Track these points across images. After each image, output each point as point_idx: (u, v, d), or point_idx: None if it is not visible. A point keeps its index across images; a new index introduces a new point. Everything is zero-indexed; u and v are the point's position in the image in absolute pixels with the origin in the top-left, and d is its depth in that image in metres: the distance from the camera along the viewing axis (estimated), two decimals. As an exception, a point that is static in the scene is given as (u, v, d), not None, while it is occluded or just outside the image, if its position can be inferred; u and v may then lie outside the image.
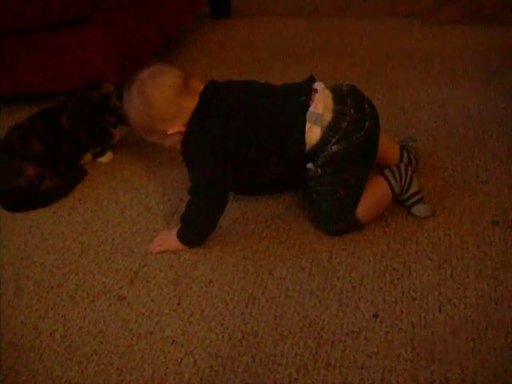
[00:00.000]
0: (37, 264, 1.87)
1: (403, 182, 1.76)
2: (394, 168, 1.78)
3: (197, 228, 1.80)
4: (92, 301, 1.71)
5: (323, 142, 1.65)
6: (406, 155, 1.90)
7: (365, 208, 1.73)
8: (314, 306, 1.57)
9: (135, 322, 1.62)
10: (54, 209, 2.11)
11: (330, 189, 1.70)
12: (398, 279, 1.61)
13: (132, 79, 1.76)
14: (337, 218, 1.73)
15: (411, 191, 1.77)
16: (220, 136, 1.70)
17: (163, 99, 1.72)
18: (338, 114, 1.65)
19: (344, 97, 1.69)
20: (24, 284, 1.81)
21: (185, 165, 1.78)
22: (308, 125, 1.65)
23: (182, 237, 1.79)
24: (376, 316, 1.52)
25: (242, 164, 1.75)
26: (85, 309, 1.69)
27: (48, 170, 2.14)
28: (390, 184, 1.75)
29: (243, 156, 1.74)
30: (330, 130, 1.64)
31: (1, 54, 2.54)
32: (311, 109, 1.66)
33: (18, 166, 2.11)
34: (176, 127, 1.74)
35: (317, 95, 1.68)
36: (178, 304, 1.64)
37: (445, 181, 1.92)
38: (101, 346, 1.57)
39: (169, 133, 1.75)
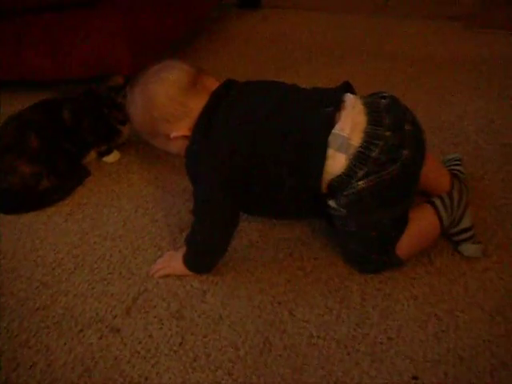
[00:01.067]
0: (23, 279, 1.64)
1: (455, 213, 1.51)
2: (445, 196, 1.52)
3: (203, 253, 1.57)
4: (81, 330, 1.47)
5: (348, 174, 1.37)
6: (457, 185, 1.61)
7: (406, 242, 1.47)
8: (341, 360, 1.33)
9: (128, 362, 1.38)
10: (49, 213, 1.89)
11: (359, 230, 1.45)
12: (443, 332, 1.37)
13: (137, 75, 1.55)
14: (369, 259, 1.50)
15: (462, 226, 1.52)
16: (227, 148, 1.45)
17: (166, 97, 1.50)
18: (370, 138, 1.37)
19: (381, 113, 1.41)
20: (6, 302, 1.58)
21: (189, 179, 1.54)
22: (330, 151, 1.38)
23: (188, 262, 1.56)
24: (416, 378, 1.27)
25: (250, 184, 1.49)
26: (72, 339, 1.45)
27: (46, 169, 1.91)
28: (438, 214, 1.49)
29: (252, 175, 1.47)
30: (357, 161, 1.36)
31: (8, 35, 2.34)
32: (336, 130, 1.38)
33: (12, 162, 1.89)
34: (180, 131, 1.51)
35: (344, 111, 1.41)
36: (181, 344, 1.40)
37: (497, 211, 1.68)
38: (86, 388, 1.32)
39: (172, 136, 1.52)
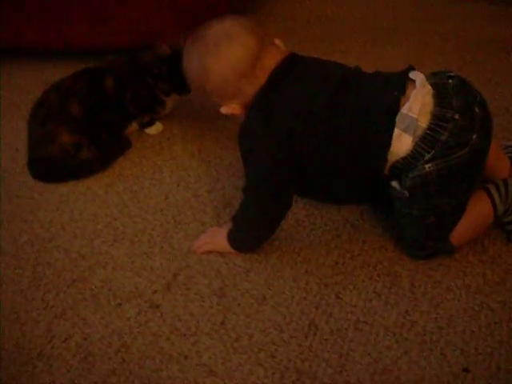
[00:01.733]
0: (60, 249, 1.61)
1: (510, 201, 1.44)
2: (501, 183, 1.45)
3: (251, 233, 1.51)
4: (119, 304, 1.44)
5: (414, 156, 1.32)
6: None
7: (460, 230, 1.42)
8: (389, 347, 1.27)
9: (167, 339, 1.34)
10: (88, 183, 1.84)
11: (419, 214, 1.38)
12: (496, 323, 1.31)
13: (199, 34, 1.47)
14: (424, 245, 1.44)
15: None
16: (286, 129, 1.39)
17: (221, 77, 1.43)
18: (438, 121, 1.30)
19: (449, 94, 1.33)
20: (43, 272, 1.55)
21: (239, 151, 1.48)
22: (397, 131, 1.32)
23: (233, 240, 1.50)
24: (467, 371, 1.22)
25: (308, 166, 1.43)
26: (109, 314, 1.42)
27: (86, 138, 1.87)
28: (493, 202, 1.43)
29: (311, 157, 1.41)
30: (425, 143, 1.30)
31: (53, 3, 2.32)
32: (404, 110, 1.32)
33: (53, 130, 1.84)
34: (231, 108, 1.47)
35: (414, 91, 1.34)
36: (222, 323, 1.36)
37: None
38: (122, 364, 1.30)
39: (222, 111, 1.48)
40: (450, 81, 1.37)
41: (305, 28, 2.72)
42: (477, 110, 1.33)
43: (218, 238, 1.53)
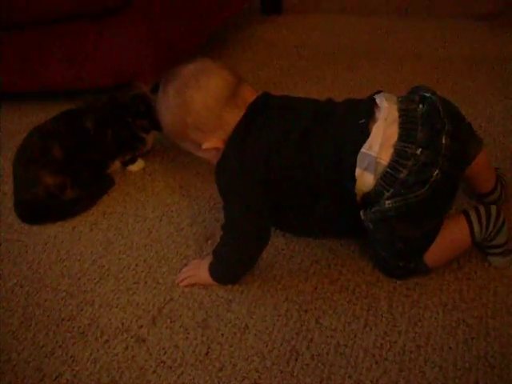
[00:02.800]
0: (49, 289, 1.64)
1: (489, 231, 1.42)
2: (483, 211, 1.42)
3: (230, 267, 1.54)
4: (106, 341, 1.46)
5: (376, 193, 1.33)
6: (499, 188, 1.58)
7: (435, 253, 1.43)
8: (369, 369, 1.30)
9: (154, 372, 1.37)
10: (74, 223, 1.88)
11: (387, 240, 1.41)
12: (473, 339, 1.33)
13: (173, 73, 1.49)
14: (395, 266, 1.46)
15: (496, 242, 1.45)
16: (262, 165, 1.41)
17: (203, 107, 1.44)
18: (398, 158, 1.29)
19: (415, 124, 1.31)
20: (32, 312, 1.58)
21: (219, 193, 1.50)
22: (358, 170, 1.33)
23: (214, 273, 1.53)
24: (446, 387, 1.23)
25: (286, 200, 1.46)
26: (97, 350, 1.44)
27: (70, 179, 1.90)
28: (471, 229, 1.42)
29: (288, 191, 1.44)
30: (384, 181, 1.31)
31: (29, 45, 2.33)
32: (364, 148, 1.32)
33: (36, 173, 1.88)
34: (212, 142, 1.46)
35: (376, 125, 1.33)
36: (207, 354, 1.39)
37: (528, 215, 1.62)
38: (112, 400, 1.31)
39: (203, 147, 1.48)
40: (420, 106, 1.36)
41: (281, 57, 2.76)
42: (443, 140, 1.29)
43: (200, 270, 1.56)
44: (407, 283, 1.48)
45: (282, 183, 1.42)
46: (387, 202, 1.31)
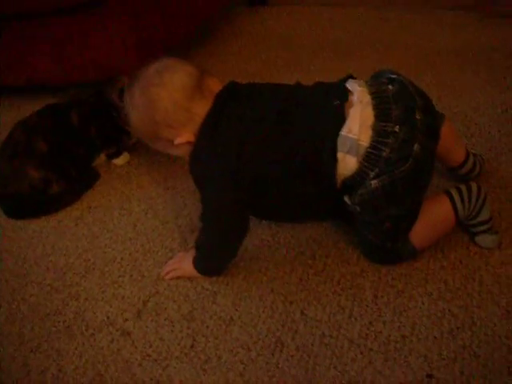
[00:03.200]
0: (34, 284, 1.64)
1: (472, 206, 1.46)
2: (464, 188, 1.46)
3: (214, 258, 1.54)
4: (92, 334, 1.47)
5: (360, 175, 1.35)
6: (471, 159, 1.61)
7: (420, 233, 1.45)
8: (354, 359, 1.30)
9: (139, 365, 1.37)
10: (59, 217, 1.87)
11: (374, 221, 1.42)
12: (458, 328, 1.34)
13: (136, 75, 1.48)
14: (383, 248, 1.46)
15: (480, 218, 1.48)
16: (234, 154, 1.40)
17: (170, 102, 1.42)
18: (379, 137, 1.32)
19: (389, 104, 1.35)
20: (18, 307, 1.57)
21: (194, 184, 1.50)
22: (340, 154, 1.35)
23: (198, 265, 1.53)
24: (430, 376, 1.25)
25: (261, 188, 1.45)
26: (83, 344, 1.45)
27: (55, 173, 1.89)
28: (454, 207, 1.45)
29: (262, 178, 1.43)
30: (368, 162, 1.33)
31: (14, 40, 2.31)
32: (344, 131, 1.34)
33: (21, 167, 1.87)
34: (184, 136, 1.44)
35: (352, 108, 1.36)
36: (192, 346, 1.39)
37: (512, 203, 1.62)
38: (97, 393, 1.31)
39: (175, 142, 1.45)
40: (390, 87, 1.39)
41: (268, 49, 2.75)
42: (417, 116, 1.34)
43: (184, 263, 1.56)
44: (392, 273, 1.48)
45: (257, 170, 1.41)
46: (373, 182, 1.33)
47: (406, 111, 1.34)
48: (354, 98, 1.38)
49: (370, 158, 1.33)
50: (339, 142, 1.34)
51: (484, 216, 1.48)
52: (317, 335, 1.37)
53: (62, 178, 1.90)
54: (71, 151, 1.94)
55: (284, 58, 2.63)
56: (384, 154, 1.31)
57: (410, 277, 1.47)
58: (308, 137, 1.38)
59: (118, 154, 2.06)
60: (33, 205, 1.90)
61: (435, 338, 1.32)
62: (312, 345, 1.34)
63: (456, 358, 1.27)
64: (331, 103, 1.38)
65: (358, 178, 1.36)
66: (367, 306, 1.42)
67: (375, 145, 1.32)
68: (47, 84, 2.40)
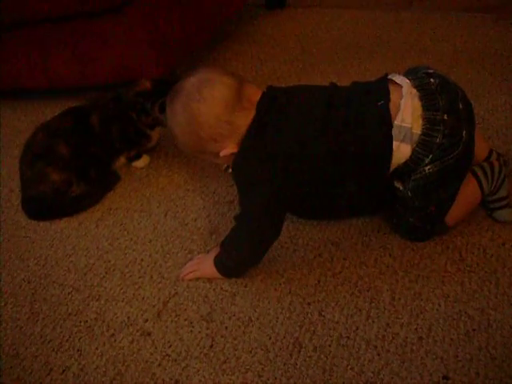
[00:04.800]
0: (55, 285, 1.66)
1: (495, 181, 1.55)
2: (486, 165, 1.56)
3: (239, 259, 1.55)
4: (112, 335, 1.49)
5: (414, 161, 1.43)
6: (494, 154, 1.66)
7: (453, 213, 1.53)
8: (371, 360, 1.32)
9: (159, 365, 1.39)
10: (80, 219, 1.90)
11: (421, 206, 1.48)
12: (474, 330, 1.35)
13: (176, 90, 1.50)
14: (423, 230, 1.53)
15: (499, 195, 1.57)
16: (282, 157, 1.44)
17: (212, 117, 1.45)
18: (430, 125, 1.40)
19: (434, 95, 1.42)
20: (40, 307, 1.60)
21: (236, 188, 1.54)
22: (395, 143, 1.41)
23: (220, 265, 1.55)
24: (447, 378, 1.26)
25: (306, 188, 1.50)
26: (104, 344, 1.47)
27: (76, 176, 1.92)
28: (479, 183, 1.54)
29: (309, 179, 1.48)
30: (422, 148, 1.41)
31: (34, 44, 2.35)
32: (397, 121, 1.40)
33: (42, 170, 1.90)
34: (229, 148, 1.47)
35: (402, 100, 1.41)
36: (211, 346, 1.41)
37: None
38: (118, 392, 1.33)
39: (221, 154, 1.49)
40: (432, 80, 1.44)
41: (285, 51, 2.76)
42: (461, 106, 1.42)
43: (204, 264, 1.58)
44: (409, 276, 1.49)
45: (304, 171, 1.46)
46: (427, 167, 1.41)
47: (450, 101, 1.41)
48: (404, 89, 1.43)
49: (424, 145, 1.40)
50: (395, 131, 1.40)
51: (503, 193, 1.56)
52: (334, 336, 1.38)
53: (82, 180, 1.93)
54: (92, 154, 1.96)
55: (301, 60, 2.64)
56: (437, 140, 1.39)
57: (427, 279, 1.48)
58: (358, 132, 1.44)
59: (138, 157, 2.08)
60: (54, 207, 1.93)
61: (452, 339, 1.33)
62: (329, 346, 1.36)
63: (472, 360, 1.28)
64: (374, 103, 1.44)
65: (412, 164, 1.43)
66: (384, 307, 1.43)
67: (428, 132, 1.39)
68: (67, 87, 2.43)
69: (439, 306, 1.41)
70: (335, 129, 1.44)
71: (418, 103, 1.41)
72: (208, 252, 1.63)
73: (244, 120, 1.46)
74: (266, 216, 1.48)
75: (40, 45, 2.33)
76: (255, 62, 2.69)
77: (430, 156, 1.40)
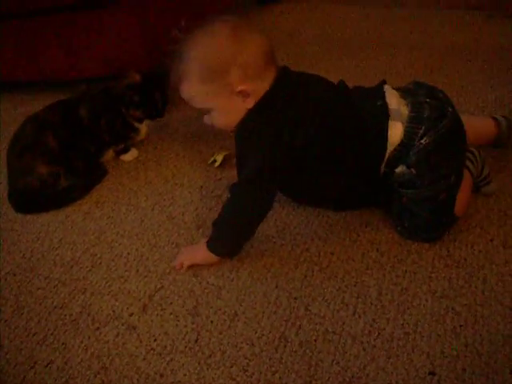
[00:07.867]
0: (41, 278, 1.65)
1: (479, 164, 1.65)
2: (468, 153, 1.63)
3: (232, 233, 1.56)
4: (97, 328, 1.48)
5: (409, 137, 1.47)
6: (504, 123, 1.78)
7: (460, 200, 1.57)
8: (356, 356, 1.31)
9: (144, 359, 1.38)
10: (67, 212, 1.88)
11: (430, 194, 1.49)
12: (461, 326, 1.34)
13: (217, 20, 1.49)
14: (439, 223, 1.54)
15: (484, 174, 1.66)
16: (290, 128, 1.45)
17: (260, 49, 1.46)
18: (415, 105, 1.50)
19: (412, 90, 1.56)
20: (25, 301, 1.59)
21: (236, 152, 1.55)
22: (389, 122, 1.49)
23: (213, 244, 1.55)
24: (433, 374, 1.25)
25: (308, 163, 1.51)
26: (88, 337, 1.46)
27: (63, 168, 1.91)
28: (467, 168, 1.61)
29: (312, 156, 1.50)
30: (413, 122, 1.48)
31: (23, 36, 2.33)
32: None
33: (30, 162, 1.88)
34: (249, 87, 1.45)
35: (386, 93, 1.54)
36: (196, 341, 1.40)
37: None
38: (101, 386, 1.32)
39: (239, 88, 1.45)
40: (408, 85, 1.61)
41: (277, 46, 2.72)
42: (441, 95, 1.54)
43: (195, 252, 1.58)
44: (396, 271, 1.49)
45: (308, 149, 1.48)
46: (422, 140, 1.46)
47: (429, 91, 1.54)
48: (386, 88, 1.57)
49: (414, 120, 1.47)
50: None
51: (486, 172, 1.65)
52: (320, 331, 1.37)
53: (70, 173, 1.91)
54: (80, 147, 1.95)
55: (293, 56, 2.62)
56: (425, 114, 1.47)
57: (414, 274, 1.47)
58: (362, 115, 1.54)
59: (126, 150, 2.07)
60: (41, 199, 1.91)
61: (438, 335, 1.33)
62: (315, 341, 1.35)
63: (458, 356, 1.28)
64: (375, 102, 1.53)
65: (408, 140, 1.48)
66: (371, 303, 1.42)
67: (415, 109, 1.49)
68: (57, 79, 2.41)
69: (426, 301, 1.41)
70: (343, 111, 1.54)
71: (399, 97, 1.54)
72: (194, 244, 1.63)
73: (268, 77, 1.48)
74: (259, 185, 1.47)
75: (30, 37, 2.31)
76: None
77: (423, 128, 1.46)
